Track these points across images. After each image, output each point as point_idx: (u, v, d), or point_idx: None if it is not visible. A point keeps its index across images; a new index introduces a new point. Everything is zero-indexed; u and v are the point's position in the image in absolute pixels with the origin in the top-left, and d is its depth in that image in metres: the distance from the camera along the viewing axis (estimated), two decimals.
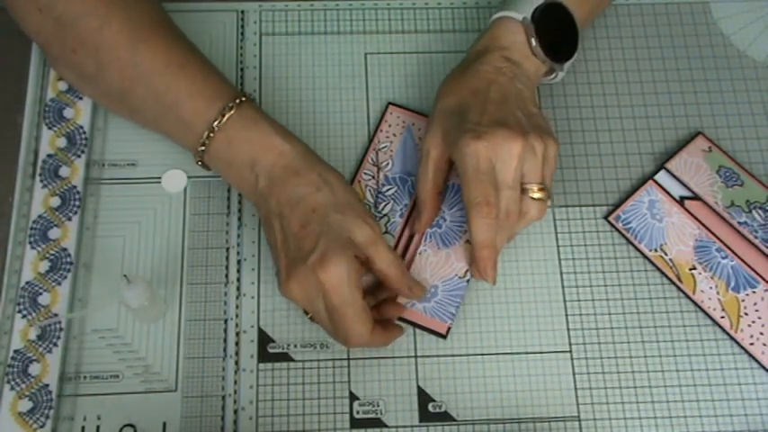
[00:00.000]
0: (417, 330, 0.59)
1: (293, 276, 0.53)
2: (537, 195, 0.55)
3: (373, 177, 0.63)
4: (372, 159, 0.63)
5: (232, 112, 0.56)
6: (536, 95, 0.61)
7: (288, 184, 0.55)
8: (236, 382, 0.57)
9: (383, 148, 0.64)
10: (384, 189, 0.62)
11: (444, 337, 0.58)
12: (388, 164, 0.63)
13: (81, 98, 0.64)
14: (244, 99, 0.57)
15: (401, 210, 0.62)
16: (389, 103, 0.66)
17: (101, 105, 0.64)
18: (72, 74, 0.61)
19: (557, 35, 0.61)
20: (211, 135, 0.56)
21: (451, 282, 0.59)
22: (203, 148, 0.57)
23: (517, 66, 0.59)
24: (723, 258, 0.61)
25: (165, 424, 0.56)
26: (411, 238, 0.61)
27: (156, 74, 0.57)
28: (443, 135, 0.57)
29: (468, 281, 0.59)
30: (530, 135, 0.54)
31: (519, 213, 0.55)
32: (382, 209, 0.62)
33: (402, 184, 0.63)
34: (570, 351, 0.59)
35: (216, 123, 0.56)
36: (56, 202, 0.61)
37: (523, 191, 0.55)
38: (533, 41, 0.59)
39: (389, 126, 0.65)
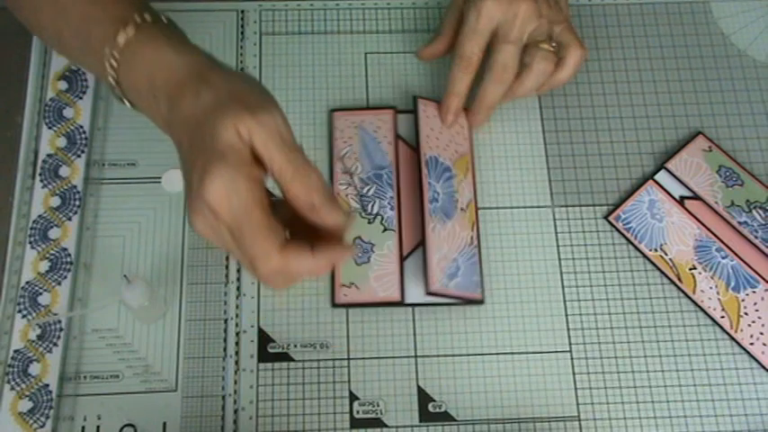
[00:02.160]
0: (417, 330, 0.59)
1: (191, 210, 0.43)
2: (544, 46, 0.60)
3: (350, 185, 0.63)
4: (341, 168, 0.63)
5: (130, 34, 0.48)
6: None
7: (182, 102, 0.45)
8: (236, 382, 0.57)
9: (345, 154, 0.64)
10: (364, 191, 0.62)
11: (482, 301, 0.60)
12: (356, 167, 0.63)
13: (81, 98, 0.64)
14: (145, 18, 0.48)
15: (389, 203, 0.62)
16: (332, 110, 0.66)
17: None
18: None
19: None
20: (114, 64, 0.48)
21: (465, 252, 0.60)
22: (114, 81, 0.49)
23: None
24: (723, 258, 0.61)
25: (165, 424, 0.56)
26: (415, 226, 0.61)
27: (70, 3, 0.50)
28: (456, 9, 0.63)
29: (476, 247, 0.60)
30: (536, 2, 0.58)
31: (524, 67, 0.60)
32: (371, 210, 0.62)
33: (378, 179, 0.63)
34: (570, 351, 0.59)
35: (116, 50, 0.47)
36: (56, 201, 0.61)
37: (533, 44, 0.60)
38: None
39: (341, 132, 0.65)
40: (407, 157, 0.64)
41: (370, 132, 0.64)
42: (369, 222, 0.61)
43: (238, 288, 0.60)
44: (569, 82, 0.64)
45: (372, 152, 0.64)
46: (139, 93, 0.48)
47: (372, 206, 0.62)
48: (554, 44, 0.60)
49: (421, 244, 0.60)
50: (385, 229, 0.61)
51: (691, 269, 0.61)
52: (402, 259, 0.60)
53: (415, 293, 0.59)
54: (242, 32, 0.69)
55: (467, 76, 0.61)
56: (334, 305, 0.59)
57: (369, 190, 0.62)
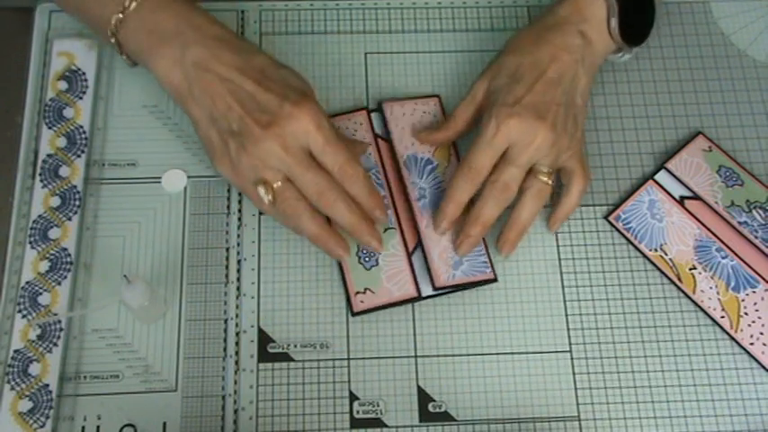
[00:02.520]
0: (417, 330, 0.59)
1: (271, 127, 0.53)
2: (543, 179, 0.58)
3: None
4: None
5: None
6: (591, 82, 0.62)
7: (227, 50, 0.55)
8: (236, 382, 0.57)
9: None
10: None
11: (495, 279, 0.60)
12: None
13: (81, 98, 0.64)
14: None
15: (384, 202, 0.62)
16: None
17: None
18: None
19: (634, 17, 0.61)
20: (133, 4, 0.56)
21: None
22: (121, 16, 0.56)
23: (589, 44, 0.60)
24: (723, 258, 0.61)
25: (165, 424, 0.56)
26: (411, 223, 0.61)
27: None
28: (488, 88, 0.61)
29: None
30: (556, 132, 0.57)
31: (521, 192, 0.59)
32: None
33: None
34: (570, 351, 0.59)
35: None
36: (56, 201, 0.61)
37: (534, 171, 0.58)
38: (613, 21, 0.60)
39: None
40: (390, 153, 0.64)
41: (349, 137, 0.64)
42: None
43: (238, 288, 0.60)
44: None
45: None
46: (151, 31, 0.56)
47: None
48: (553, 176, 0.59)
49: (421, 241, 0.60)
50: (386, 229, 0.61)
51: (691, 269, 0.61)
52: (410, 255, 0.60)
53: (429, 286, 0.59)
54: (242, 32, 0.69)
55: (471, 187, 0.58)
56: (353, 314, 0.59)
57: None
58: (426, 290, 0.59)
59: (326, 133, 0.54)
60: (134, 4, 0.56)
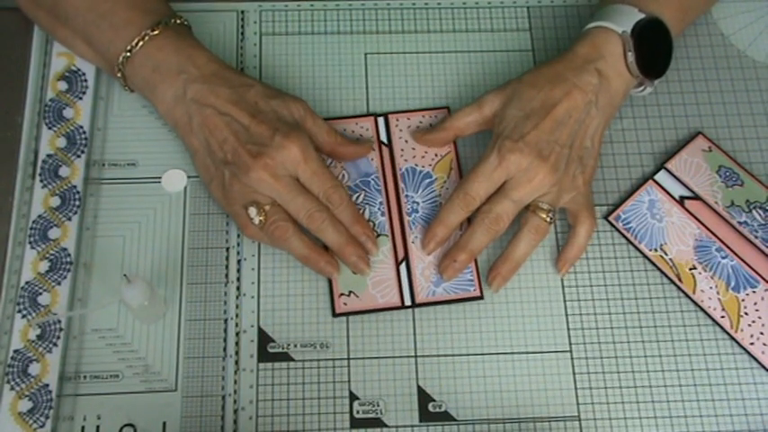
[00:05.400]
0: (417, 330, 0.59)
1: (261, 158, 0.56)
2: (542, 215, 0.58)
3: None
4: None
5: (167, 25, 0.60)
6: (607, 123, 0.62)
7: (224, 86, 0.58)
8: (236, 382, 0.57)
9: (331, 164, 0.63)
10: (353, 199, 0.62)
11: (482, 297, 0.60)
12: (344, 176, 0.63)
13: (81, 98, 0.64)
14: (179, 21, 0.61)
15: (379, 209, 0.62)
16: None
17: (27, 13, 0.65)
18: None
19: (652, 51, 0.61)
20: (141, 43, 0.59)
21: None
22: (128, 54, 0.59)
23: (606, 82, 0.60)
24: (723, 258, 0.61)
25: (165, 424, 0.56)
26: (402, 233, 0.61)
27: None
28: (499, 109, 0.61)
29: None
30: (557, 173, 0.57)
31: (519, 226, 0.59)
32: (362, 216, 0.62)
33: (366, 185, 0.63)
34: (570, 351, 0.59)
35: (148, 32, 0.59)
36: (56, 201, 0.61)
37: (532, 207, 0.59)
38: (630, 56, 0.60)
39: None
40: (392, 162, 0.64)
41: (354, 139, 0.64)
42: None
43: (238, 288, 0.60)
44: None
45: (357, 160, 0.64)
46: (156, 68, 0.59)
47: (363, 213, 0.62)
48: (552, 214, 0.59)
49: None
50: (378, 235, 0.61)
51: (691, 269, 0.61)
52: (398, 263, 0.60)
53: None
54: (242, 33, 0.69)
55: (464, 213, 0.58)
56: (335, 315, 0.59)
57: (358, 198, 0.62)
58: (410, 300, 0.59)
59: (313, 164, 0.57)
60: (141, 43, 0.59)
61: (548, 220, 0.58)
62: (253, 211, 0.57)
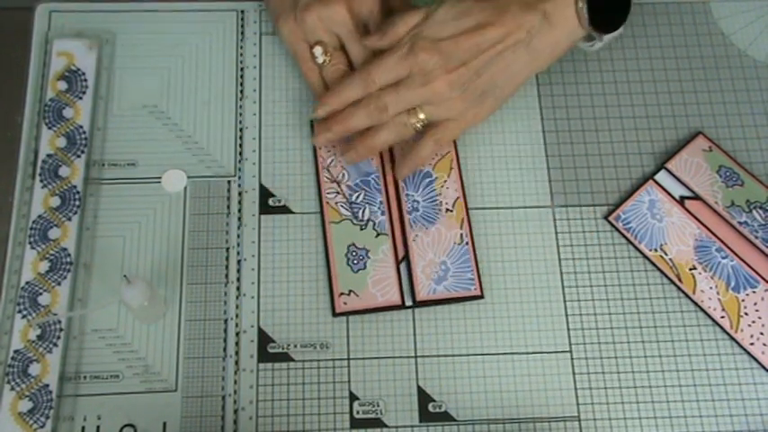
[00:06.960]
0: (417, 330, 0.59)
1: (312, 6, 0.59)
2: (412, 120, 0.58)
3: (338, 193, 0.63)
4: (328, 178, 0.63)
5: None
6: (533, 70, 0.59)
7: None
8: (236, 382, 0.57)
9: (331, 163, 0.64)
10: (353, 198, 0.62)
11: (482, 296, 0.59)
12: (344, 175, 0.63)
13: (81, 98, 0.64)
14: None
15: (379, 208, 0.62)
16: (312, 122, 0.65)
17: None
18: None
19: (608, 1, 0.58)
20: None
21: (454, 251, 0.60)
22: None
23: (548, 27, 0.57)
24: (723, 258, 0.61)
25: (165, 424, 0.56)
26: (402, 232, 0.61)
27: None
28: (429, 12, 0.59)
29: (467, 243, 0.60)
30: (452, 92, 0.57)
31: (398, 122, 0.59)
32: (362, 216, 0.62)
33: (366, 185, 0.63)
34: (570, 351, 0.59)
35: None
36: (56, 202, 0.61)
37: (413, 109, 0.58)
38: (581, 3, 0.57)
39: None
40: (392, 162, 0.64)
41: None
42: (361, 229, 0.61)
43: (238, 288, 0.60)
44: (569, 82, 0.63)
45: None
46: None
47: (363, 212, 0.62)
48: (422, 125, 0.58)
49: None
50: (378, 234, 0.61)
51: (691, 269, 0.61)
52: (398, 262, 0.60)
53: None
54: (242, 32, 0.69)
55: (359, 91, 0.58)
56: (335, 315, 0.59)
57: (358, 197, 0.62)
58: (411, 299, 0.59)
59: (377, 18, 0.60)
60: None
61: (416, 126, 0.59)
62: (318, 50, 0.60)
